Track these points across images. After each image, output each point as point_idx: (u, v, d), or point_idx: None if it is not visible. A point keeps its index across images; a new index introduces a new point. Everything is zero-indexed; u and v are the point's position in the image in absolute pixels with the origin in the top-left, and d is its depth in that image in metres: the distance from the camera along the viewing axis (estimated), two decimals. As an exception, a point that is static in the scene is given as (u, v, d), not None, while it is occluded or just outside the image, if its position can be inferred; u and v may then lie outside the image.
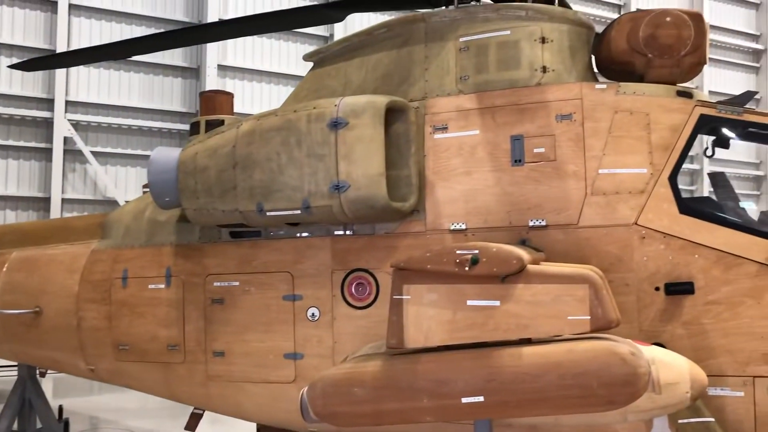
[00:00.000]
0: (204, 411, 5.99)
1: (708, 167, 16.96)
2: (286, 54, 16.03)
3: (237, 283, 5.49)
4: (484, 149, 4.88)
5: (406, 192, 4.91)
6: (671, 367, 3.77)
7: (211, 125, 5.88)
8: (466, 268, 3.77)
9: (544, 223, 4.72)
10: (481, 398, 3.65)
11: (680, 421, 4.22)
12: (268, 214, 4.95)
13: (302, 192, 4.81)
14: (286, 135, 4.87)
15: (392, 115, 4.89)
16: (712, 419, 4.19)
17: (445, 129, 5.00)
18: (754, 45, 19.78)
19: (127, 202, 7.83)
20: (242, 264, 5.50)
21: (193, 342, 5.62)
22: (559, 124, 4.74)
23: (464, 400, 3.67)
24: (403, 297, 3.92)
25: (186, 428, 6.01)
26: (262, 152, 4.93)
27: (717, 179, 6.63)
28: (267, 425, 5.68)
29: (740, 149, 18.02)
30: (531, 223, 4.75)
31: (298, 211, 4.86)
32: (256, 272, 5.45)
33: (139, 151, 14.87)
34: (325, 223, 5.09)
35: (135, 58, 14.07)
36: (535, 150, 4.76)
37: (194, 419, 6.00)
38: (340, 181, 4.71)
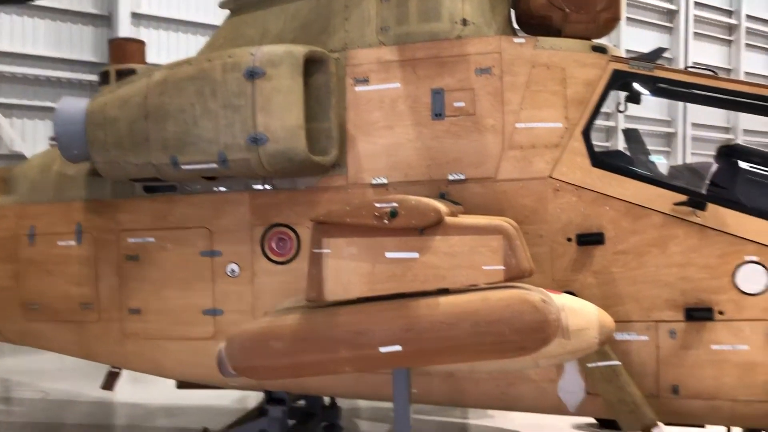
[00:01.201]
0: (121, 370, 5.86)
1: (623, 124, 17.58)
2: (204, 2, 15.40)
3: (152, 240, 5.33)
4: (405, 103, 4.87)
5: (327, 145, 4.85)
6: (580, 314, 3.92)
7: (122, 75, 5.60)
8: (385, 221, 3.78)
9: (462, 177, 4.78)
10: (398, 347, 3.71)
11: (589, 365, 4.43)
12: (182, 167, 4.80)
13: (218, 145, 4.68)
14: (200, 85, 4.70)
15: (311, 65, 4.79)
16: (619, 363, 4.42)
17: (366, 81, 4.94)
18: (668, 5, 20.41)
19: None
20: (157, 219, 5.34)
21: (108, 300, 5.46)
22: (479, 77, 4.76)
23: (382, 349, 3.73)
24: (323, 251, 3.90)
25: (103, 387, 5.88)
26: (175, 103, 4.74)
27: (630, 135, 6.87)
28: (187, 382, 5.62)
29: (653, 107, 18.73)
30: (450, 177, 4.79)
31: (215, 165, 4.73)
32: (173, 228, 5.31)
33: (47, 103, 14.06)
34: (243, 177, 4.98)
35: (40, 2, 13.19)
36: (455, 104, 4.78)
37: (111, 378, 5.87)
38: (257, 134, 4.60)
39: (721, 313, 4.45)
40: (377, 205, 3.82)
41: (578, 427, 6.57)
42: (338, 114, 4.88)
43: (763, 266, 4.40)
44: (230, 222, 5.17)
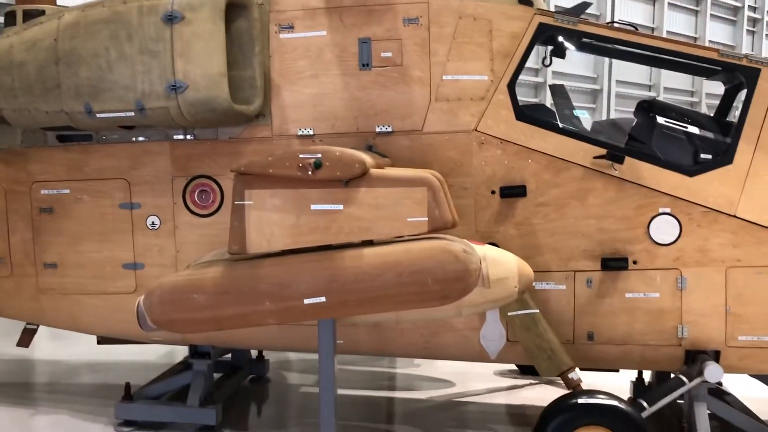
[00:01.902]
0: (38, 326, 5.67)
1: (551, 80, 17.87)
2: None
3: (67, 191, 5.11)
4: (332, 52, 4.77)
5: (250, 94, 4.71)
6: (501, 264, 4.01)
7: (30, 16, 5.24)
8: (309, 172, 3.73)
9: (390, 129, 4.76)
10: (323, 299, 3.71)
11: (510, 313, 4.56)
12: (97, 116, 4.58)
13: (135, 92, 4.48)
14: (115, 28, 4.46)
15: (233, 10, 4.61)
16: (537, 311, 4.57)
17: (291, 28, 4.80)
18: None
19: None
20: (72, 170, 5.11)
21: (21, 254, 5.23)
22: (406, 28, 4.70)
23: (306, 301, 3.71)
24: (245, 202, 3.82)
25: (18, 344, 5.68)
26: (88, 47, 4.49)
27: (556, 91, 6.96)
28: (107, 337, 5.49)
29: (580, 64, 19.09)
30: (378, 129, 4.76)
31: (132, 113, 4.54)
32: (89, 179, 5.10)
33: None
34: (162, 126, 4.80)
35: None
36: (383, 54, 4.72)
37: (27, 335, 5.67)
38: (177, 81, 4.42)
39: (635, 262, 4.64)
40: (301, 155, 3.76)
41: (500, 373, 6.81)
42: (262, 62, 4.74)
43: (676, 218, 4.60)
44: (150, 173, 5.01)
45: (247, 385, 6.44)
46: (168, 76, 4.42)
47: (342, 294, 3.71)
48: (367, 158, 3.81)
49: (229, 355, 6.26)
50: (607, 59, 17.83)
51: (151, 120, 4.59)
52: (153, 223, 5.05)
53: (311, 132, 4.80)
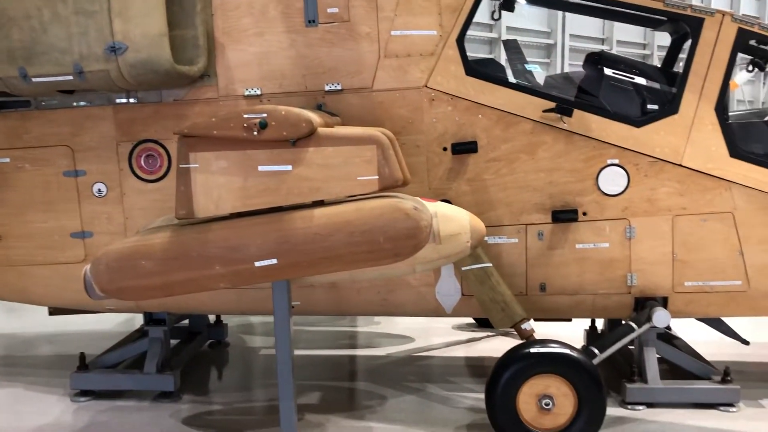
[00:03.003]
0: None
1: (505, 35, 17.79)
2: None
3: (7, 160, 4.94)
4: (277, 8, 4.65)
5: (194, 54, 4.58)
6: (453, 220, 4.02)
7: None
8: (255, 133, 3.65)
9: (339, 87, 4.69)
10: (274, 261, 3.68)
11: (463, 268, 4.62)
12: (33, 80, 4.39)
13: (72, 55, 4.30)
14: (46, -13, 4.25)
15: (172, -33, 4.43)
16: (490, 264, 4.62)
17: (234, -15, 4.65)
18: None
19: None
20: (11, 138, 4.93)
21: (-38, 227, 5.05)
22: None
23: (257, 263, 3.68)
24: (190, 165, 3.74)
25: None
26: (19, 7, 4.28)
27: (510, 46, 6.94)
28: (59, 308, 5.38)
29: (534, 19, 19.02)
30: (327, 88, 4.69)
31: (70, 77, 4.37)
32: (30, 147, 4.93)
33: None
34: (104, 90, 4.64)
35: None
36: (329, 10, 4.62)
37: None
38: (116, 43, 4.26)
39: (584, 214, 4.72)
40: (245, 116, 3.67)
41: (458, 327, 6.92)
42: (205, 20, 4.60)
43: (624, 168, 4.67)
44: (93, 139, 4.87)
45: (206, 350, 6.42)
46: (106, 36, 4.25)
47: (293, 255, 3.68)
48: (314, 117, 3.75)
49: (187, 321, 6.22)
50: (560, 13, 17.81)
51: (90, 84, 4.43)
52: (99, 190, 4.92)
53: (258, 92, 4.71)
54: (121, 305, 4.86)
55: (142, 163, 4.86)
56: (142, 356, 5.29)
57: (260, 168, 3.73)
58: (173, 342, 5.80)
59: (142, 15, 4.26)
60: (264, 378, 5.75)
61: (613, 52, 20.46)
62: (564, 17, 18.95)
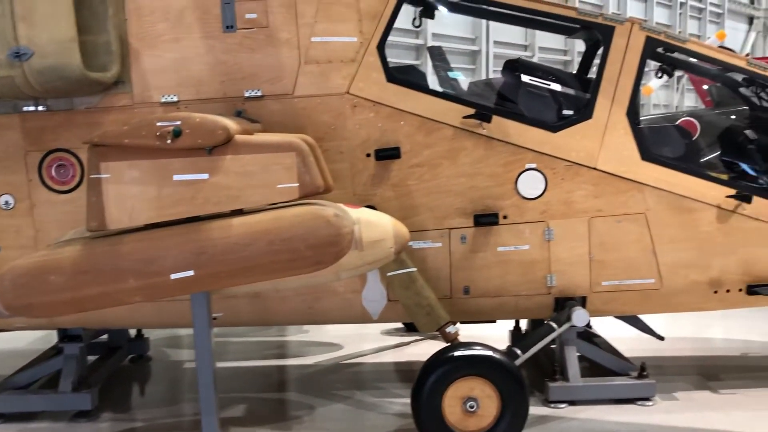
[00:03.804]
0: None
1: (431, 42, 18.03)
2: None
3: None
4: (194, 13, 4.55)
5: (107, 60, 4.42)
6: (376, 226, 4.02)
7: None
8: (168, 141, 3.55)
9: (259, 94, 4.62)
10: (191, 273, 3.58)
11: (388, 273, 4.62)
12: (-68, 86, 4.15)
13: (-27, 60, 4.08)
14: (-57, -11, 4.02)
15: (81, -30, 4.27)
16: (415, 269, 4.64)
17: (148, -11, 4.52)
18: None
19: None
20: None
21: None
22: None
23: (173, 276, 3.57)
24: (101, 175, 3.60)
25: None
26: None
27: (434, 52, 7.03)
28: (-36, 328, 5.08)
29: (459, 26, 19.33)
30: (247, 94, 4.62)
31: (-29, 84, 4.14)
32: (-71, 157, 4.64)
33: None
34: (9, 97, 4.42)
35: None
36: (247, 16, 4.55)
37: None
38: (20, 48, 4.06)
39: (505, 217, 4.81)
40: (158, 123, 3.57)
41: (387, 332, 6.93)
42: (117, 25, 4.45)
43: (541, 172, 4.79)
44: (-1, 149, 4.63)
45: (126, 365, 6.21)
46: (10, 41, 4.05)
47: (211, 266, 3.59)
48: (231, 124, 3.68)
49: (106, 336, 5.99)
50: (484, 21, 18.18)
51: (-6, 91, 4.21)
52: (6, 202, 4.69)
53: (175, 99, 4.59)
54: (31, 322, 4.61)
55: (53, 173, 4.66)
56: (58, 375, 5.06)
57: (175, 177, 3.63)
58: (91, 358, 5.58)
59: (48, 19, 4.08)
60: (188, 392, 5.60)
61: (536, 58, 21.07)
62: (488, 25, 19.35)
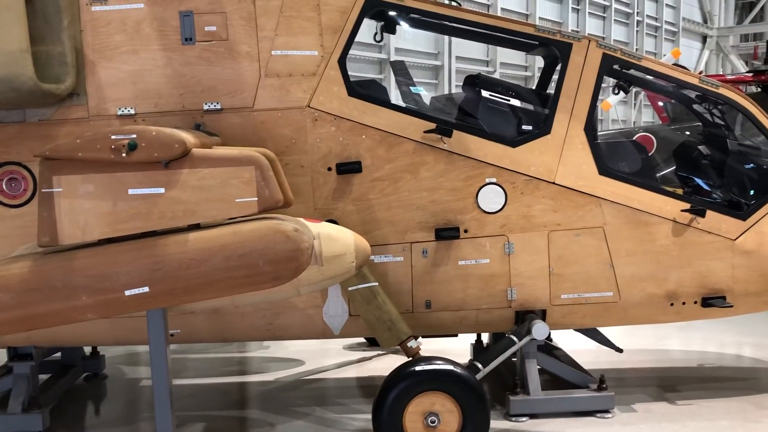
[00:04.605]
0: None
1: (394, 56, 18.16)
2: None
3: None
4: (151, 25, 4.49)
5: (60, 72, 4.32)
6: (336, 241, 4.00)
7: None
8: (123, 154, 3.48)
9: (219, 107, 4.58)
10: (146, 289, 3.50)
11: (350, 288, 4.59)
12: None
13: None
14: None
15: (34, -20, 4.18)
16: (376, 283, 4.62)
17: (104, 0, 4.45)
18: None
19: None
20: None
21: None
22: (230, 0, 4.52)
23: (128, 292, 3.49)
24: (53, 189, 3.51)
25: None
26: None
27: (397, 67, 7.06)
28: None
29: (421, 41, 19.53)
30: (206, 107, 4.57)
31: None
32: None
33: None
34: (-42, 108, 4.29)
35: None
36: (207, 28, 4.51)
37: None
38: (-30, 58, 3.95)
39: (466, 231, 4.83)
40: (113, 137, 3.50)
41: (349, 347, 6.88)
42: (72, 36, 4.36)
43: (501, 187, 4.83)
44: (-56, 161, 4.48)
45: (81, 384, 6.03)
46: None
47: (167, 282, 3.52)
48: (188, 137, 3.63)
49: (59, 354, 5.82)
50: (446, 36, 18.37)
51: (-59, 101, 4.09)
52: (-46, 217, 4.53)
53: (132, 111, 4.51)
54: (-21, 342, 4.49)
55: (4, 187, 4.53)
56: (8, 395, 4.89)
57: (130, 191, 3.56)
58: (44, 377, 5.41)
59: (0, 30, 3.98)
60: (145, 411, 5.46)
61: (497, 73, 21.38)
62: (450, 40, 19.57)
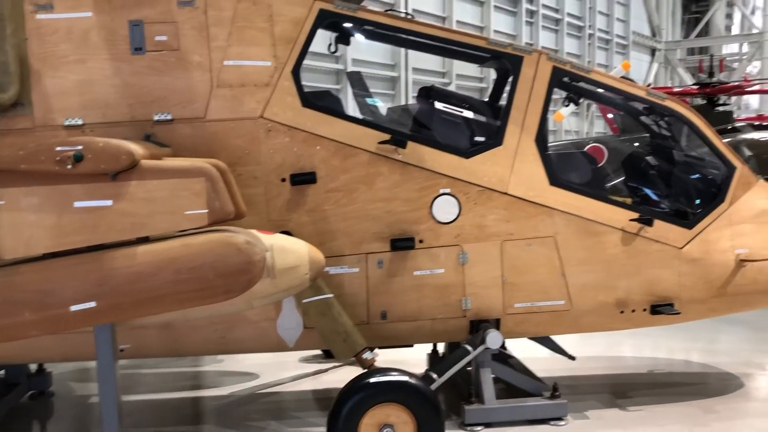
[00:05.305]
0: None
1: (351, 67, 18.18)
2: None
3: None
4: (100, 34, 4.41)
5: (4, 81, 4.22)
6: (290, 252, 3.97)
7: None
8: (69, 166, 3.40)
9: (169, 117, 4.51)
10: (92, 304, 3.42)
11: (304, 300, 4.55)
12: None
13: None
14: None
15: (-25, -13, 4.07)
16: (331, 295, 4.60)
17: (50, 8, 4.36)
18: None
19: None
20: None
21: None
22: (181, 10, 4.47)
23: (73, 308, 3.40)
24: (-5, 202, 3.40)
25: None
26: None
27: (353, 77, 7.06)
28: None
29: (378, 52, 19.60)
30: (156, 118, 4.50)
31: None
32: None
33: None
34: None
35: None
36: (157, 38, 4.45)
37: None
38: None
39: (421, 241, 4.85)
40: (58, 148, 3.41)
41: (305, 359, 6.83)
42: (16, 45, 4.25)
43: (455, 197, 4.86)
44: None
45: (26, 402, 5.83)
46: None
47: (114, 297, 3.44)
48: (136, 148, 3.56)
49: (2, 372, 5.62)
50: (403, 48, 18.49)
51: None
52: None
53: (80, 122, 4.41)
54: None
55: (-56, 199, 4.36)
56: (-53, 416, 4.71)
57: (76, 204, 3.47)
58: (-14, 397, 5.23)
59: (-62, 37, 3.86)
60: (93, 429, 5.31)
61: (453, 85, 21.59)
62: (406, 52, 19.69)
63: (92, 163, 3.44)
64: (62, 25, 4.37)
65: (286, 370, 6.54)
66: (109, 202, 3.50)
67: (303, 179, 4.70)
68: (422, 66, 20.92)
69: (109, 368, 3.71)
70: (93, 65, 4.41)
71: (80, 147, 3.43)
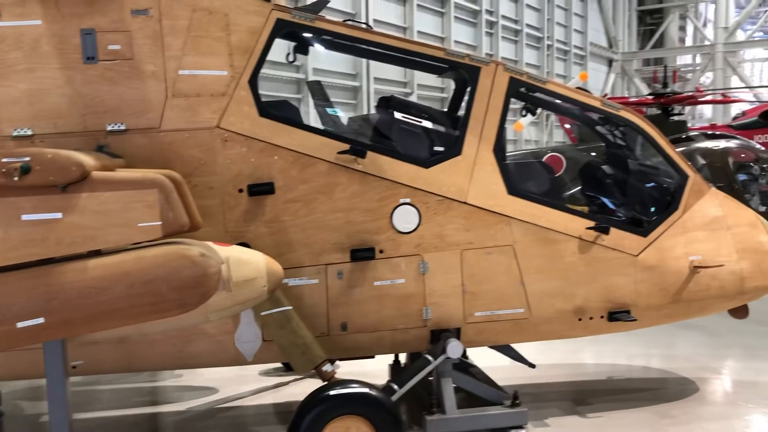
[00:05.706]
0: None
1: (312, 76, 18.14)
2: None
3: None
4: (50, 43, 4.31)
5: (-51, 90, 4.08)
6: (247, 264, 3.91)
7: None
8: (15, 178, 3.30)
9: (123, 127, 4.42)
10: (41, 320, 3.31)
11: (263, 313, 4.49)
12: None
13: None
14: None
15: None
16: (290, 307, 4.54)
17: (-3, 16, 4.24)
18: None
19: None
20: None
21: None
22: (135, 19, 4.40)
23: (20, 324, 3.29)
24: (-63, 215, 3.28)
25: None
26: None
27: (314, 87, 7.03)
28: None
29: (340, 62, 19.61)
30: (109, 128, 4.40)
31: None
32: None
33: None
34: None
35: None
36: (110, 47, 4.37)
37: None
38: None
39: (381, 251, 4.83)
40: (4, 160, 3.31)
41: (265, 373, 6.74)
42: (-38, 53, 4.12)
43: (415, 207, 4.86)
44: None
45: (-27, 423, 5.64)
46: None
47: (64, 312, 3.34)
48: (87, 160, 3.47)
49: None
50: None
51: None
52: None
53: (29, 132, 4.30)
54: None
55: None
56: None
57: (24, 217, 3.37)
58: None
59: None
60: (45, 449, 5.16)
61: (414, 95, 21.71)
62: (368, 62, 19.73)
63: (40, 174, 3.35)
64: (10, 33, 4.26)
65: (246, 383, 6.45)
66: (58, 215, 3.40)
67: (261, 190, 4.65)
68: (384, 76, 21.01)
69: (59, 386, 3.60)
70: (43, 74, 4.30)
71: (27, 158, 3.33)
